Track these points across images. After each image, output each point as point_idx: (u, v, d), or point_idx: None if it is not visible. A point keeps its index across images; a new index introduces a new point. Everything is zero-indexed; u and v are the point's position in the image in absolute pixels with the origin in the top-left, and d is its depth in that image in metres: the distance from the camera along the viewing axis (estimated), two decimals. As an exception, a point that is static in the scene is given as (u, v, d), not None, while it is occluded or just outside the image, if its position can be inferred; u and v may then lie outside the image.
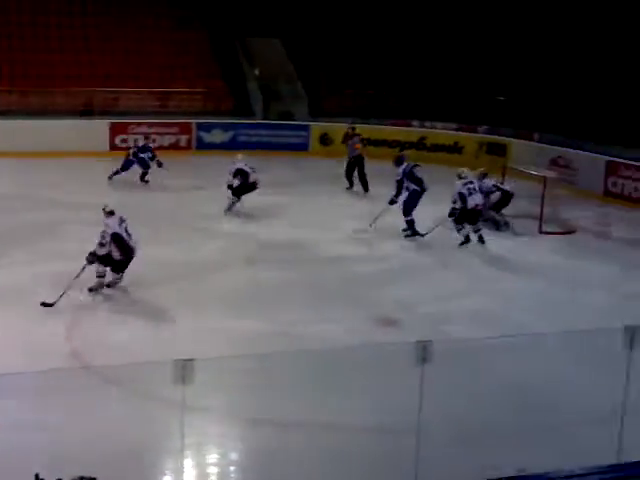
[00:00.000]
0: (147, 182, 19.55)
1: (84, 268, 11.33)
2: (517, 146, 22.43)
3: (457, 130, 24.34)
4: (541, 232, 15.64)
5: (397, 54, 27.74)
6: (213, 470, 7.68)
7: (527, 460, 7.40)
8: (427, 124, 25.47)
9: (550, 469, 6.05)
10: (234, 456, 7.94)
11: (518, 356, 8.97)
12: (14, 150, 21.86)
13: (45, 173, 20.25)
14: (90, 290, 11.67)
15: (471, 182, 14.91)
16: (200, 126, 24.96)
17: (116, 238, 11.51)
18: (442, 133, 24.67)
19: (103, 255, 11.51)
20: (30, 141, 22.40)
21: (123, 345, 9.61)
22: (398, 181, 15.49)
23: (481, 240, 14.76)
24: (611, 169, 19.36)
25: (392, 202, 15.47)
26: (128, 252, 11.65)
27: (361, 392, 8.44)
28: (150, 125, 24.26)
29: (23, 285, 11.71)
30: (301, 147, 23.77)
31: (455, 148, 22.28)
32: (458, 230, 14.74)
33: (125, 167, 19.55)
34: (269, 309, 11.14)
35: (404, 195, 15.36)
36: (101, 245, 11.47)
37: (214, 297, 11.60)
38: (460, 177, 14.97)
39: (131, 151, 19.90)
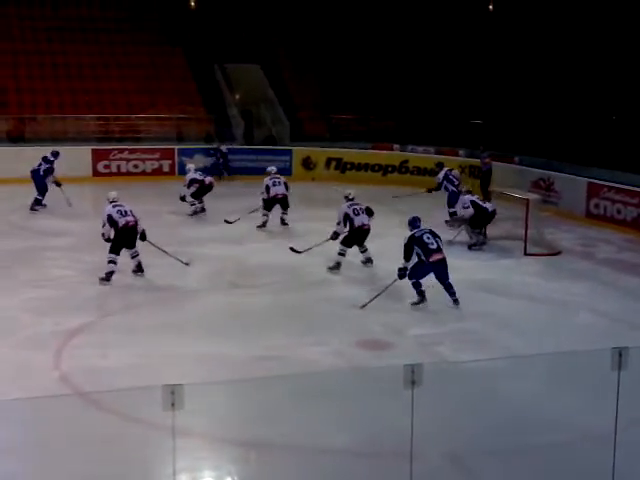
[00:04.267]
0: None
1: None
2: (499, 169, 22.52)
3: (437, 153, 24.46)
4: (526, 254, 15.66)
5: (377, 79, 27.94)
6: (205, 495, 7.60)
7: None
8: (408, 148, 25.59)
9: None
10: (226, 480, 7.86)
11: (508, 378, 8.95)
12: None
13: (28, 199, 20.16)
14: (101, 279, 13.07)
15: (357, 203, 14.52)
16: (182, 152, 24.97)
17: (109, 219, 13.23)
18: (423, 157, 24.79)
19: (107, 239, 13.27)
20: (13, 168, 22.35)
21: (112, 371, 9.51)
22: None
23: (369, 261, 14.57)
24: (593, 191, 19.46)
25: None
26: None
27: (351, 416, 8.37)
28: (132, 151, 24.29)
29: (7, 313, 11.65)
30: (284, 172, 23.72)
31: (437, 171, 22.30)
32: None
33: None
34: (256, 333, 11.05)
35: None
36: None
37: (200, 322, 11.52)
38: (347, 198, 14.70)
39: None
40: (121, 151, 24.35)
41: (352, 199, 14.62)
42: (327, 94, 28.60)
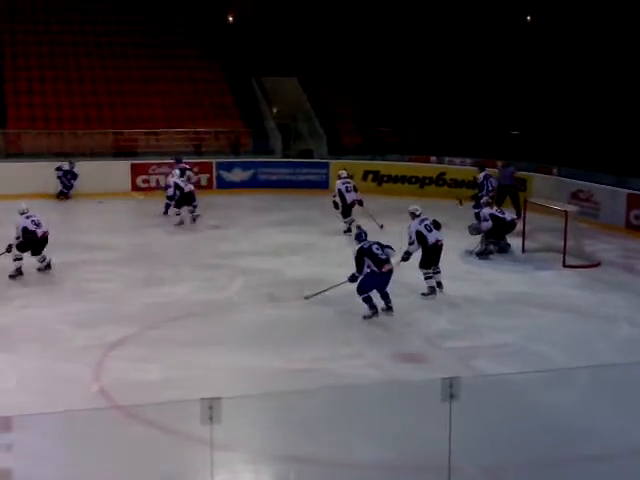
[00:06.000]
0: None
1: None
2: (537, 180, 22.40)
3: (475, 165, 24.33)
4: (565, 266, 15.53)
5: (414, 91, 27.92)
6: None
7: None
8: (446, 160, 25.51)
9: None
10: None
11: (547, 391, 8.90)
12: (40, 191, 22.17)
13: (68, 214, 20.45)
14: (11, 276, 14.07)
15: (426, 218, 13.65)
16: (220, 165, 25.13)
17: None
18: (461, 168, 24.69)
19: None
20: (55, 182, 22.69)
21: (151, 384, 9.61)
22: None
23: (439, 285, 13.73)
24: (633, 202, 19.26)
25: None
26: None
27: (389, 429, 8.35)
28: (171, 165, 24.45)
29: (48, 325, 11.82)
30: (321, 185, 23.85)
31: (475, 183, 22.24)
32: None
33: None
34: (292, 346, 11.08)
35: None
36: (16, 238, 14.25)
37: (237, 334, 11.57)
38: (415, 215, 13.67)
39: None
40: (159, 165, 24.53)
41: (419, 215, 13.64)
42: (364, 106, 28.62)
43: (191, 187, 19.53)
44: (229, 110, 27.85)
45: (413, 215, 13.76)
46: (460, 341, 11.46)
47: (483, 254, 16.18)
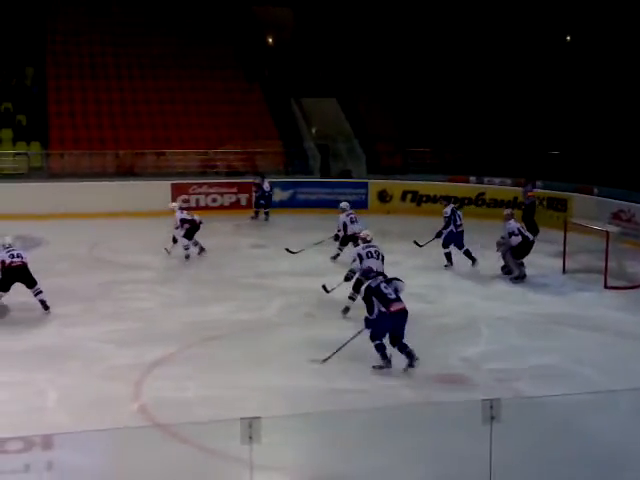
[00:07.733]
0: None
1: None
2: (577, 200, 22.21)
3: (514, 185, 24.21)
4: (606, 287, 15.37)
5: (453, 111, 27.91)
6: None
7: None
8: (485, 180, 25.40)
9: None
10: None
11: (590, 414, 8.76)
12: (81, 211, 22.47)
13: (109, 233, 20.63)
14: None
15: (373, 246, 13.23)
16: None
17: None
18: (500, 189, 24.57)
19: None
20: (96, 202, 22.99)
21: (190, 403, 9.64)
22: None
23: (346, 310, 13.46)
24: (675, 223, 19.03)
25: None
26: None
27: (428, 451, 8.27)
28: (211, 185, 24.63)
29: (88, 344, 11.92)
30: (360, 204, 23.79)
31: (514, 203, 22.15)
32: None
33: None
34: (332, 366, 11.04)
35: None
36: None
37: (278, 354, 11.58)
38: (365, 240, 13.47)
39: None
40: (200, 185, 24.75)
41: (369, 241, 13.43)
42: (402, 127, 28.67)
43: (200, 218, 18.31)
44: (268, 131, 28.01)
45: (363, 240, 13.54)
46: (500, 362, 11.37)
47: (518, 278, 15.96)
